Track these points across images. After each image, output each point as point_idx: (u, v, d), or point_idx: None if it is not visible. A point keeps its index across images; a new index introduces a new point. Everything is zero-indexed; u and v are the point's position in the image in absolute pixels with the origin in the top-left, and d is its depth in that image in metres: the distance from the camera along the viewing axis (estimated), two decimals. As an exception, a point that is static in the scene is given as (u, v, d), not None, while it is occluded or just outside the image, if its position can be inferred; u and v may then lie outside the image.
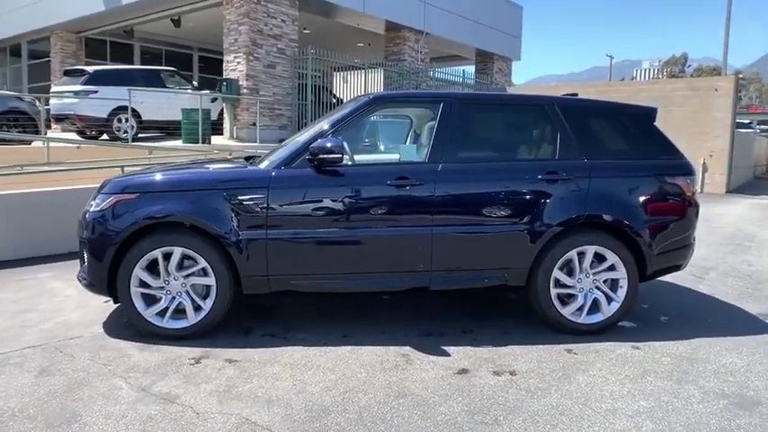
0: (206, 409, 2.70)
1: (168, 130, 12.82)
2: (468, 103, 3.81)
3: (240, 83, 12.86)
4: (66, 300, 4.31)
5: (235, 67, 13.04)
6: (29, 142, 8.43)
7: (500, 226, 3.65)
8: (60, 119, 11.82)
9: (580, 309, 3.76)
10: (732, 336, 3.81)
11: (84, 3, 16.14)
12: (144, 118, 11.99)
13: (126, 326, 3.70)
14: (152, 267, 3.53)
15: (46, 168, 6.98)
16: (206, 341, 3.53)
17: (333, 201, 3.56)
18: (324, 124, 3.75)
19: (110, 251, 3.46)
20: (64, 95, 11.53)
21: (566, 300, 3.79)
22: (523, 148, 3.96)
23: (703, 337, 3.77)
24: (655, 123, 3.98)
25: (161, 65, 21.42)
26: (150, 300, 3.55)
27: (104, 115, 11.40)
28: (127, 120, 11.83)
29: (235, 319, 3.91)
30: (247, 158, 4.05)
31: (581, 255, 3.72)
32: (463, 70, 19.11)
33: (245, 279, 3.55)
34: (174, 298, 3.55)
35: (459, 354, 3.44)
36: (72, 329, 3.70)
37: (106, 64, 18.42)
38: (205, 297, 3.56)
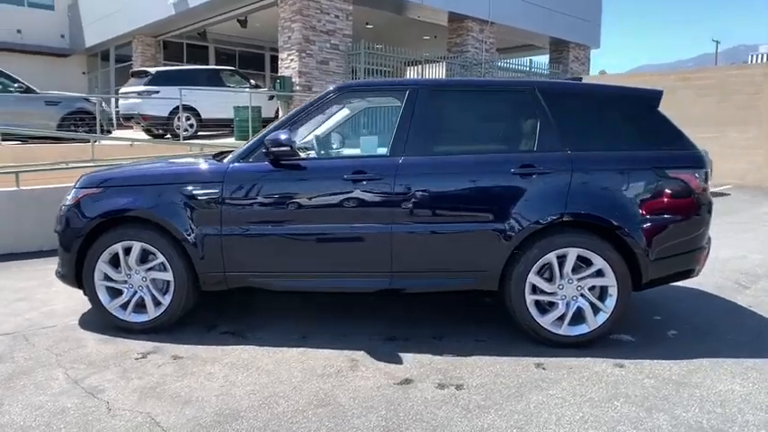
0: (121, 405, 2.67)
1: (230, 127, 13.27)
2: (436, 90, 3.51)
3: (293, 80, 13.05)
4: (59, 291, 4.48)
5: (288, 65, 13.25)
6: (90, 140, 9.02)
7: (467, 225, 3.34)
8: (127, 118, 12.58)
9: (561, 318, 3.36)
10: (748, 358, 3.25)
11: (159, 8, 17.09)
12: (203, 116, 12.48)
13: (100, 319, 3.77)
14: (116, 261, 3.57)
15: (90, 164, 7.40)
16: (165, 336, 3.52)
17: (288, 196, 3.41)
18: (287, 116, 3.61)
19: (75, 244, 3.53)
20: (129, 96, 12.25)
21: (547, 307, 3.40)
22: (498, 139, 3.58)
23: (711, 358, 3.25)
24: (659, 109, 3.48)
25: (234, 65, 22.30)
26: (115, 293, 3.59)
27: (165, 114, 11.99)
28: (188, 118, 12.35)
29: (203, 315, 3.89)
30: (219, 153, 3.99)
31: (561, 258, 3.32)
32: (530, 60, 18.26)
33: (201, 275, 3.50)
34: (135, 292, 3.57)
35: (413, 362, 3.18)
36: (51, 319, 3.83)
37: (182, 65, 19.38)
38: (165, 292, 3.55)
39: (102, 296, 3.57)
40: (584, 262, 3.34)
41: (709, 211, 3.47)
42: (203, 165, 3.63)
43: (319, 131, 4.60)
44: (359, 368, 3.10)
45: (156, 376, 2.98)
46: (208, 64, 20.93)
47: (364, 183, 3.35)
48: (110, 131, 11.36)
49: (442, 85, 3.60)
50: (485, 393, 2.81)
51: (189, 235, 3.43)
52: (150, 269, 3.54)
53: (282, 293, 3.76)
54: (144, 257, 3.55)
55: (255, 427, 2.49)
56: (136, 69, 13.88)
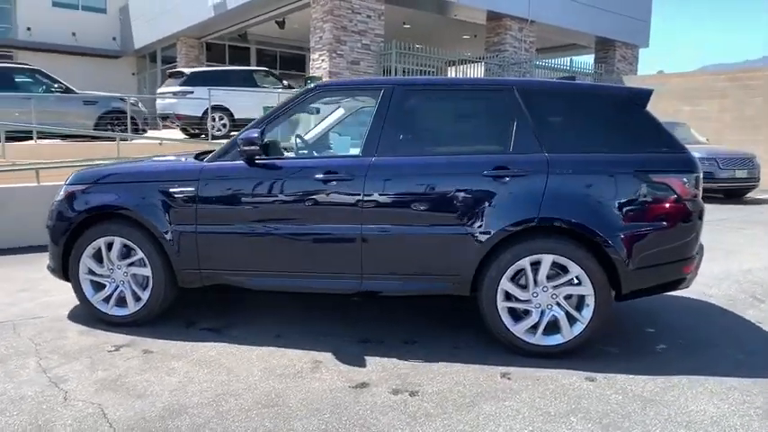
0: (77, 396, 2.74)
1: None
2: (410, 89, 3.44)
3: (324, 80, 13.17)
4: (61, 284, 4.61)
5: (320, 65, 13.37)
6: (116, 139, 9.37)
7: (438, 228, 3.26)
8: (164, 117, 13.00)
9: (535, 327, 3.24)
10: (735, 377, 3.04)
11: (200, 10, 17.60)
12: (236, 116, 12.74)
13: (88, 311, 3.89)
14: (100, 256, 3.67)
15: (113, 162, 7.67)
16: (145, 330, 3.60)
17: (260, 195, 3.43)
18: (265, 114, 3.63)
19: (62, 238, 3.66)
20: (165, 96, 12.66)
21: (522, 315, 3.28)
22: (473, 139, 3.48)
23: (693, 375, 3.05)
24: (646, 109, 3.29)
25: (275, 66, 22.71)
26: (98, 286, 3.70)
27: (199, 114, 12.31)
28: (221, 118, 12.66)
29: (187, 311, 3.96)
30: (204, 153, 4.04)
31: (536, 264, 3.20)
32: (570, 59, 17.77)
33: (177, 272, 3.56)
34: (117, 286, 3.67)
35: (377, 366, 3.13)
36: (45, 310, 3.98)
37: (224, 66, 19.87)
38: (145, 288, 3.63)
39: (87, 289, 3.69)
40: (560, 269, 3.20)
41: (700, 218, 3.27)
42: (182, 163, 3.69)
43: (316, 131, 4.61)
44: (320, 369, 3.08)
45: (121, 369, 3.05)
46: (249, 65, 21.40)
47: (335, 183, 3.33)
48: (145, 131, 11.75)
49: (417, 84, 3.53)
50: (437, 401, 2.73)
51: (166, 232, 3.50)
52: (131, 264, 3.63)
53: (270, 292, 3.78)
54: (126, 253, 3.64)
55: (196, 424, 2.50)
56: (173, 70, 14.32)
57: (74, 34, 24.06)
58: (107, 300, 3.67)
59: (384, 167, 3.30)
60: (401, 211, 3.29)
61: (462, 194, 3.23)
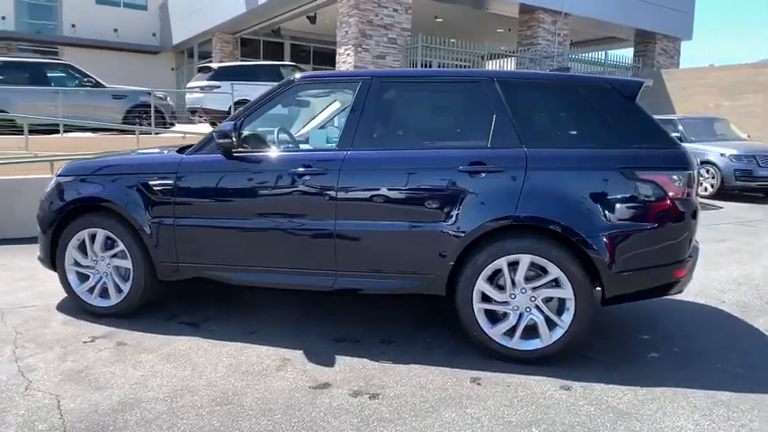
0: (39, 386, 2.76)
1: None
2: (388, 81, 3.32)
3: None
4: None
5: (345, 60, 13.32)
6: (151, 132, 9.58)
7: (412, 225, 3.14)
8: (192, 111, 13.22)
9: (513, 330, 3.08)
10: (726, 391, 2.82)
11: (233, 5, 17.81)
12: (262, 110, 12.83)
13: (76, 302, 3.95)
14: (84, 247, 3.70)
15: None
16: (125, 321, 3.61)
17: (235, 189, 3.39)
18: (245, 106, 3.58)
19: (50, 229, 3.71)
20: (194, 91, 12.86)
21: (500, 318, 3.13)
22: (450, 133, 3.34)
23: (680, 387, 2.85)
24: (636, 102, 3.08)
25: (308, 61, 22.81)
26: (83, 277, 3.74)
27: (225, 108, 12.45)
28: (247, 112, 12.79)
29: (171, 304, 3.96)
30: (186, 147, 4.02)
31: (514, 265, 3.04)
32: (605, 53, 17.16)
33: (156, 264, 3.55)
34: (101, 278, 3.70)
35: (345, 366, 3.05)
36: (37, 299, 4.05)
37: (258, 61, 20.08)
38: (127, 280, 3.65)
39: (72, 280, 3.73)
40: (541, 270, 3.04)
41: (694, 218, 3.04)
42: (161, 156, 3.68)
43: (312, 124, 4.55)
44: (286, 368, 3.02)
45: (90, 360, 3.06)
46: (283, 60, 21.56)
47: (308, 177, 3.25)
48: (172, 124, 11.97)
49: (395, 76, 3.41)
50: (396, 406, 2.63)
51: (145, 224, 3.50)
52: (114, 256, 3.65)
53: (256, 287, 3.74)
54: (110, 245, 3.66)
55: (145, 419, 2.48)
56: (201, 65, 14.55)
57: (116, 30, 24.78)
58: (91, 291, 3.71)
59: (358, 161, 3.21)
60: (374, 206, 3.18)
61: (437, 190, 3.10)
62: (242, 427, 2.43)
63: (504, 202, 3.00)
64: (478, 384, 2.87)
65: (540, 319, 3.04)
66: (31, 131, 8.98)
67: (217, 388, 2.78)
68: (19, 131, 9.35)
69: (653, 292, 3.10)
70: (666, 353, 3.30)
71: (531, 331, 3.08)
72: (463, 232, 3.05)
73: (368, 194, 3.19)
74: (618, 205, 2.95)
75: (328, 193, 3.22)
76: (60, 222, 3.69)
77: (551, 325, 3.04)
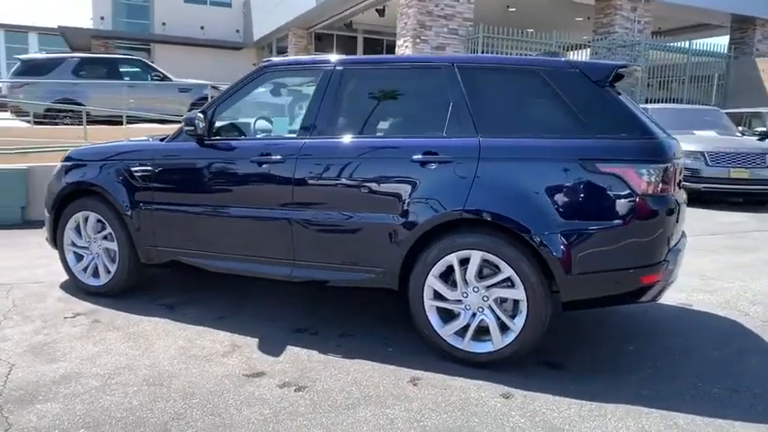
0: (2, 355, 2.95)
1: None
2: (350, 68, 3.22)
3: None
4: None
5: (403, 52, 13.19)
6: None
7: (363, 216, 3.04)
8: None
9: (464, 331, 2.91)
10: (690, 414, 2.50)
11: (304, 1, 18.20)
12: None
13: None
14: (80, 228, 3.93)
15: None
16: (111, 300, 3.79)
17: (202, 175, 3.45)
18: (217, 95, 3.63)
19: (52, 211, 3.98)
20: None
21: (453, 317, 2.97)
22: (409, 121, 3.17)
23: (639, 406, 2.56)
24: (607, 87, 2.78)
25: (382, 54, 22.85)
26: (79, 257, 3.98)
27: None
28: (306, 104, 13.06)
29: (160, 285, 4.12)
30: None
31: (464, 261, 2.87)
32: (689, 41, 15.80)
33: (138, 248, 3.70)
34: (93, 258, 3.91)
35: (290, 356, 3.02)
36: (47, 276, 4.35)
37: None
38: (114, 261, 3.83)
39: (70, 259, 3.98)
40: (495, 269, 2.84)
41: (671, 217, 2.71)
42: (143, 143, 3.82)
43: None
44: (232, 354, 3.04)
45: (61, 335, 3.25)
46: (356, 53, 21.79)
47: (267, 165, 3.24)
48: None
49: (356, 62, 3.29)
50: (317, 400, 2.57)
51: (128, 208, 3.65)
52: (104, 238, 3.85)
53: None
54: (101, 228, 3.86)
55: (74, 392, 2.58)
56: (262, 61, 14.98)
57: (202, 28, 26.12)
58: (85, 270, 3.94)
59: (314, 150, 3.16)
60: (328, 196, 3.13)
61: (389, 181, 2.99)
62: (156, 407, 2.48)
63: (455, 195, 2.83)
64: (414, 385, 2.73)
65: (491, 321, 2.85)
66: (100, 122, 9.68)
67: (156, 369, 2.85)
68: (94, 122, 10.12)
69: (618, 299, 2.80)
70: (645, 367, 2.99)
71: (484, 333, 2.90)
72: (413, 225, 2.92)
73: (322, 183, 3.13)
74: (575, 201, 2.69)
75: (286, 181, 3.20)
76: (60, 204, 3.94)
77: (504, 328, 2.84)
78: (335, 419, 2.41)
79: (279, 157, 3.21)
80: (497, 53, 13.82)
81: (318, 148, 3.16)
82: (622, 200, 2.64)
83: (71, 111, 10.08)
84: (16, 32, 30.58)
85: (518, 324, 2.80)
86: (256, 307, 3.76)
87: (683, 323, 3.69)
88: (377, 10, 18.24)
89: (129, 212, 3.64)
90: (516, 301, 2.82)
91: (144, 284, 4.04)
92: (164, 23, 25.41)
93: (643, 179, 2.64)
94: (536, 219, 2.70)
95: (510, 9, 18.30)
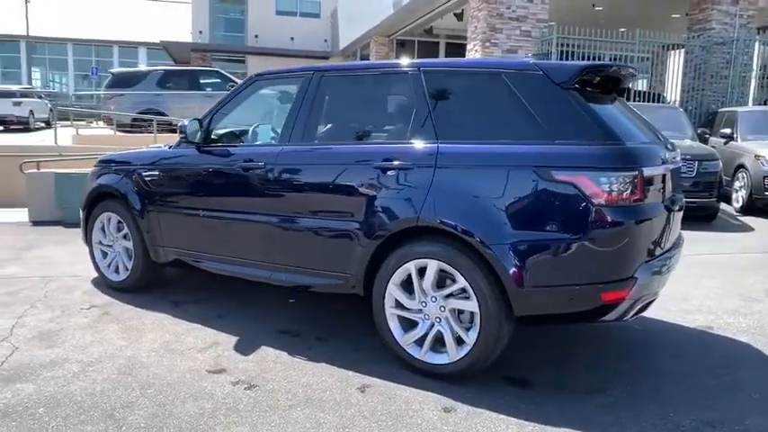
0: (12, 339, 3.30)
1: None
2: (326, 76, 3.27)
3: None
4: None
5: (473, 56, 12.99)
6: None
7: (330, 222, 3.09)
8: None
9: (422, 341, 2.86)
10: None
11: (383, 8, 18.50)
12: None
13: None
14: (104, 228, 4.30)
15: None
16: (128, 295, 4.09)
17: (196, 180, 3.68)
18: (215, 104, 3.82)
19: (84, 212, 4.39)
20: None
21: (413, 326, 2.93)
22: (376, 128, 3.16)
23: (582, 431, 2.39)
24: (571, 90, 2.61)
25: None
26: (105, 255, 4.35)
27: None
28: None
29: (176, 283, 4.39)
30: None
31: (422, 270, 2.82)
32: (798, 35, 14.16)
33: (149, 247, 3.98)
34: (115, 256, 4.26)
35: (259, 356, 3.13)
36: (86, 272, 4.67)
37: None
38: (131, 258, 4.16)
39: (98, 256, 4.36)
40: (452, 279, 2.77)
41: (640, 230, 2.51)
42: (154, 150, 4.11)
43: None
44: (206, 351, 3.19)
45: (70, 324, 3.57)
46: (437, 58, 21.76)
47: (251, 171, 3.38)
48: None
49: (332, 70, 3.33)
50: (260, 399, 2.64)
51: (140, 211, 3.95)
52: (124, 237, 4.18)
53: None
54: (121, 227, 4.20)
55: (54, 376, 2.85)
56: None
57: (292, 39, 27.33)
58: (109, 266, 4.30)
59: (289, 156, 3.25)
60: (299, 201, 3.21)
61: (352, 187, 3.01)
62: (114, 394, 2.67)
63: (412, 202, 2.80)
64: (362, 392, 2.73)
65: (447, 332, 2.78)
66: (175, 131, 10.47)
67: (132, 360, 3.07)
68: (173, 130, 10.94)
69: (578, 317, 2.62)
70: (618, 390, 2.77)
71: (442, 344, 2.83)
72: (373, 233, 2.92)
73: (294, 189, 3.23)
74: (529, 210, 2.56)
75: (265, 186, 3.31)
76: (90, 206, 4.34)
77: (461, 341, 2.76)
78: (266, 419, 2.47)
79: (261, 163, 3.34)
80: (572, 55, 13.25)
81: (292, 154, 3.25)
82: (579, 210, 2.48)
83: (150, 120, 10.97)
84: (128, 48, 33.79)
85: (471, 337, 2.71)
86: (255, 308, 3.90)
87: (692, 346, 3.37)
88: (455, 14, 18.13)
89: (140, 214, 3.94)
90: (472, 314, 2.73)
91: (161, 282, 4.33)
92: (256, 36, 26.88)
93: (602, 188, 2.46)
94: (488, 228, 2.60)
95: (596, 8, 17.45)
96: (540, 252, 2.53)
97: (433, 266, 2.77)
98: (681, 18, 18.38)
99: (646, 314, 3.77)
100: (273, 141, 3.45)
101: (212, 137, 3.71)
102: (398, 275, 2.89)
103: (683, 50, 14.67)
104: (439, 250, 2.75)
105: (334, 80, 3.29)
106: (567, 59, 12.99)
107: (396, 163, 2.88)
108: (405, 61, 3.06)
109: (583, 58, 13.07)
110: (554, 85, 2.63)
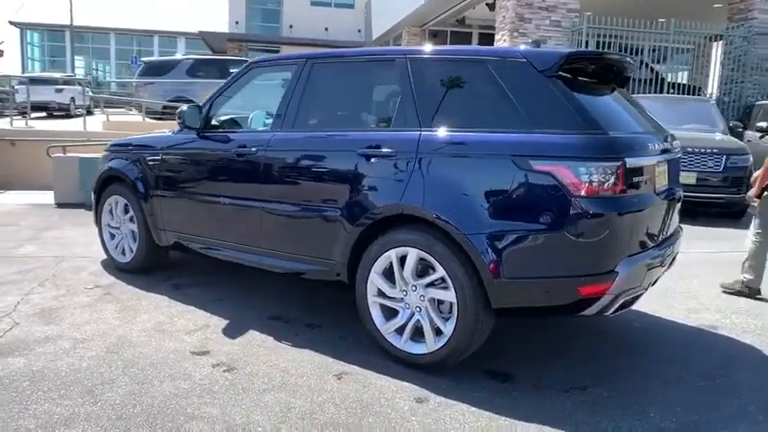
0: (15, 315, 3.43)
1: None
2: (317, 63, 3.25)
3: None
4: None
5: (501, 46, 12.75)
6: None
7: (316, 208, 3.09)
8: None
9: (402, 329, 2.84)
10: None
11: (414, -3, 18.37)
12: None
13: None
14: (112, 211, 4.42)
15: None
16: (131, 277, 4.19)
17: (195, 165, 3.72)
18: (214, 92, 3.85)
19: (94, 195, 4.51)
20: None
21: (395, 314, 2.91)
22: (363, 115, 3.13)
23: (548, 426, 2.32)
24: (554, 78, 2.51)
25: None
26: (113, 237, 4.46)
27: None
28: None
29: (179, 267, 4.47)
30: None
31: (403, 259, 2.79)
32: None
33: (152, 230, 4.07)
34: (122, 238, 4.37)
35: (245, 340, 3.16)
36: (97, 253, 4.80)
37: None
38: (136, 240, 4.25)
39: (106, 238, 4.48)
40: (432, 268, 2.73)
41: (622, 222, 2.42)
42: (157, 135, 4.18)
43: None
44: (195, 333, 3.24)
45: (72, 303, 3.68)
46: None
47: (242, 158, 3.40)
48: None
49: (321, 57, 3.30)
50: (235, 382, 2.67)
51: (144, 194, 4.03)
52: (130, 220, 4.28)
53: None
54: (127, 210, 4.30)
55: (45, 351, 2.94)
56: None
57: (326, 29, 27.40)
58: (116, 248, 4.42)
59: (279, 143, 3.26)
60: (287, 187, 3.22)
61: (337, 174, 3.01)
62: (98, 371, 2.74)
63: (394, 190, 2.77)
64: (338, 379, 2.73)
65: (425, 322, 2.75)
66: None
67: (123, 339, 3.14)
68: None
69: (556, 310, 2.55)
70: (601, 389, 2.69)
71: (422, 334, 2.80)
72: (356, 219, 2.90)
73: (282, 175, 3.23)
74: (507, 200, 2.50)
75: (256, 172, 3.33)
76: (100, 189, 4.45)
77: (439, 331, 2.73)
78: (237, 401, 2.50)
79: (253, 149, 3.36)
80: (607, 45, 12.86)
81: (282, 141, 3.25)
82: (557, 201, 2.40)
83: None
84: (168, 37, 34.54)
85: (449, 328, 2.67)
86: (253, 293, 3.94)
87: (691, 346, 3.25)
88: (487, 4, 17.83)
89: (144, 198, 4.02)
90: (451, 304, 2.69)
91: (165, 264, 4.41)
92: (291, 26, 27.06)
93: (581, 178, 2.37)
94: (465, 217, 2.55)
95: (636, -1, 16.88)
96: (517, 243, 2.47)
97: (413, 255, 2.74)
98: (723, 8, 17.63)
99: (647, 311, 3.72)
100: (267, 128, 3.46)
101: (212, 123, 3.75)
102: (380, 263, 2.87)
103: (717, 42, 14.05)
104: (419, 239, 2.71)
105: (324, 67, 3.28)
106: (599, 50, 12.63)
107: (379, 150, 2.85)
108: (393, 48, 3.02)
109: (620, 49, 12.66)
110: (537, 72, 2.55)
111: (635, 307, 3.71)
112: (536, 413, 2.45)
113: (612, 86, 3.09)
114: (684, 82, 14.82)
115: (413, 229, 2.75)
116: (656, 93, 12.64)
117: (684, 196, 5.81)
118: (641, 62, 13.70)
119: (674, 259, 3.10)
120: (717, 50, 14.84)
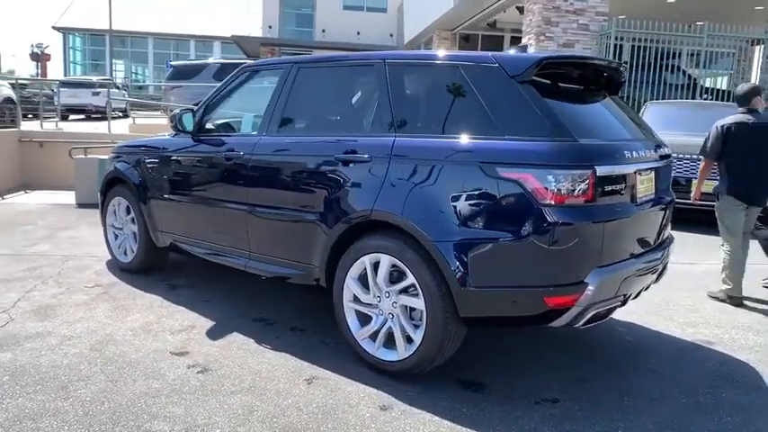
0: (12, 310, 3.56)
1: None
2: (302, 67, 3.27)
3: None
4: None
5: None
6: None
7: (295, 213, 3.11)
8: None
9: (375, 336, 2.82)
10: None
11: (444, 1, 18.29)
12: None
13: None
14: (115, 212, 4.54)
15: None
16: (131, 277, 4.31)
17: (187, 168, 3.79)
18: (208, 95, 3.91)
19: (100, 196, 4.65)
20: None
21: (370, 321, 2.90)
22: (343, 119, 3.13)
23: (525, 440, 2.27)
24: (526, 83, 2.46)
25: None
26: (117, 237, 4.58)
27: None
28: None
29: (178, 267, 4.56)
30: None
31: (376, 265, 2.77)
32: None
33: (150, 231, 4.16)
34: (124, 239, 4.49)
35: (226, 341, 3.20)
36: (105, 253, 5.00)
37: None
38: (136, 241, 4.36)
39: (110, 238, 4.61)
40: (404, 275, 2.71)
41: (593, 231, 2.35)
42: (157, 138, 4.27)
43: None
44: (179, 334, 3.30)
45: (69, 301, 3.79)
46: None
47: (230, 161, 3.45)
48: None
49: (306, 61, 3.32)
50: (206, 383, 2.71)
51: (143, 196, 4.13)
52: (132, 222, 4.40)
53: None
54: (129, 211, 4.41)
55: (33, 347, 3.04)
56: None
57: (358, 33, 27.57)
58: (119, 248, 4.54)
59: (264, 147, 3.29)
60: (270, 191, 3.25)
61: (316, 179, 3.02)
62: (78, 368, 2.82)
63: (367, 196, 2.77)
64: (308, 384, 2.74)
65: (396, 329, 2.73)
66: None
67: (108, 337, 3.22)
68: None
69: (523, 321, 2.49)
70: (573, 402, 2.61)
71: (395, 341, 2.78)
72: (332, 225, 2.90)
73: (266, 179, 3.27)
74: (474, 208, 2.46)
75: (243, 176, 3.38)
76: (105, 190, 4.59)
77: (410, 338, 2.70)
78: (203, 402, 2.53)
79: (241, 153, 3.40)
80: (642, 50, 12.54)
81: (266, 145, 3.29)
82: (523, 209, 2.35)
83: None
84: (203, 41, 35.35)
85: (418, 336, 2.64)
86: (243, 295, 3.98)
87: (681, 362, 3.13)
88: (517, 8, 17.64)
89: (143, 199, 4.12)
90: (421, 312, 2.66)
91: (164, 265, 4.50)
92: (323, 30, 27.34)
93: (548, 186, 2.31)
94: (434, 224, 2.53)
95: (669, 0, 16.43)
96: (484, 251, 2.42)
97: (385, 261, 2.73)
98: (765, 10, 16.99)
99: (642, 323, 3.61)
100: (255, 132, 3.50)
101: (206, 127, 3.82)
102: (356, 269, 2.86)
103: (758, 47, 13.56)
104: (391, 245, 2.69)
105: (309, 72, 3.29)
106: (634, 55, 12.33)
107: (355, 155, 2.84)
108: (373, 53, 3.02)
109: (655, 54, 12.34)
110: (509, 77, 2.50)
111: (630, 319, 3.65)
112: (501, 424, 2.41)
113: (603, 93, 3.02)
114: (724, 87, 14.33)
115: (386, 235, 2.74)
116: (688, 99, 12.28)
117: (701, 205, 5.65)
118: (675, 66, 13.34)
119: (662, 270, 2.99)
120: (759, 54, 14.34)
